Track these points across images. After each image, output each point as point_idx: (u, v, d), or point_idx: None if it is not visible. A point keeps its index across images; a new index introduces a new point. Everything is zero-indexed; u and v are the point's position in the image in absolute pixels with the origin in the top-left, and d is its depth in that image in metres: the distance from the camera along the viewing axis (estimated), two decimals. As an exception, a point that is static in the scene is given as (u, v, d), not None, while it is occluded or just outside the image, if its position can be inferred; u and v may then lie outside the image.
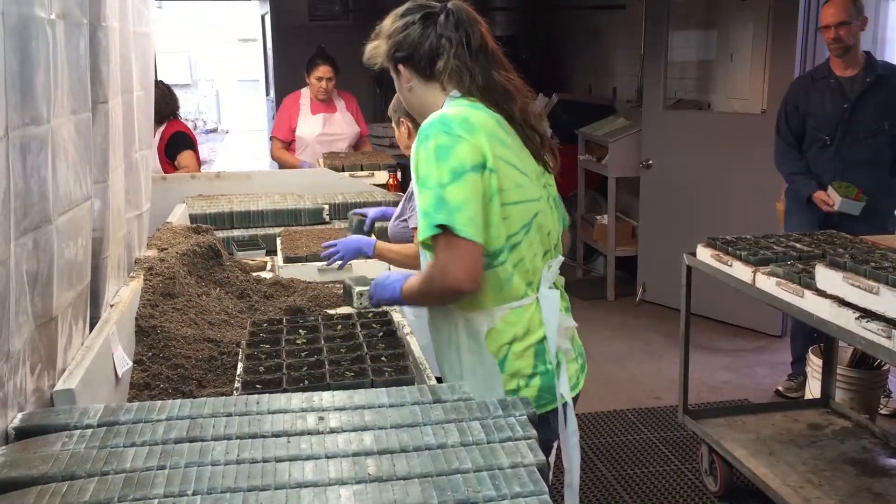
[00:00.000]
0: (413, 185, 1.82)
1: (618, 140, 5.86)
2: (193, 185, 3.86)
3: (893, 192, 3.99)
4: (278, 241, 3.10)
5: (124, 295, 2.08)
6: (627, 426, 4.04)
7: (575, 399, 1.96)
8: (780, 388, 4.33)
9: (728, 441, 3.24)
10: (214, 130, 21.04)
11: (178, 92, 4.89)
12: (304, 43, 7.15)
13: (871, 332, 2.29)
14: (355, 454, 1.30)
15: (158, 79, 4.21)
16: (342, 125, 5.05)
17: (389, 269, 2.71)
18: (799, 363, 4.24)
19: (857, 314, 2.36)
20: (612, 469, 3.65)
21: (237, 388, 1.74)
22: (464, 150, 1.71)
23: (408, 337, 2.17)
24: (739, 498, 3.37)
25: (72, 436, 1.35)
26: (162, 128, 4.52)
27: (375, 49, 1.94)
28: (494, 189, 1.74)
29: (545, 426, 1.85)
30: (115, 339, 1.86)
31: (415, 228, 2.53)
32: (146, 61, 2.53)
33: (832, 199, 3.88)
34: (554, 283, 1.91)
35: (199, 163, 4.74)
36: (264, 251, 3.19)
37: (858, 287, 2.35)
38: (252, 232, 3.37)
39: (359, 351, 1.91)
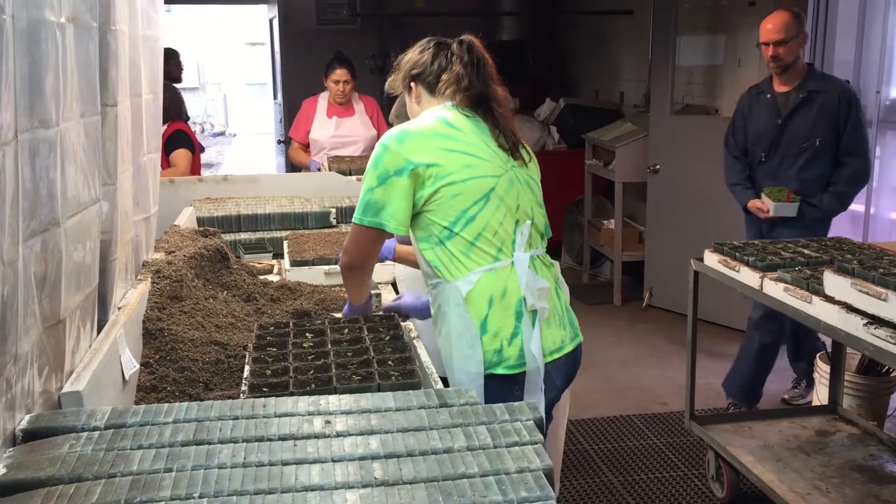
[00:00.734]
0: None
1: (625, 145, 5.85)
2: (201, 188, 3.87)
3: (823, 209, 3.87)
4: (285, 244, 3.10)
5: (132, 298, 2.09)
6: (634, 431, 4.03)
7: (566, 362, 2.17)
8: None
9: (735, 447, 3.23)
10: (222, 133, 21.10)
11: (185, 95, 4.90)
12: (313, 47, 7.18)
13: (879, 338, 2.28)
14: (362, 458, 1.30)
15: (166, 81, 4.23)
16: (357, 128, 5.06)
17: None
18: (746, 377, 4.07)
19: (865, 320, 2.35)
20: (618, 475, 3.64)
21: (244, 392, 1.74)
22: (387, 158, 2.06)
23: (414, 341, 2.17)
24: (746, 504, 3.36)
25: (79, 438, 1.35)
26: (164, 126, 4.55)
27: (394, 80, 2.29)
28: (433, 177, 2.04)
29: (526, 385, 2.09)
30: (123, 342, 1.86)
31: None
32: (155, 65, 2.54)
33: (766, 205, 3.85)
34: (528, 245, 2.12)
35: (194, 165, 4.71)
36: (271, 254, 3.20)
37: (867, 293, 2.34)
38: (259, 235, 3.37)
39: (365, 355, 1.91)
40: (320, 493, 1.20)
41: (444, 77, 2.16)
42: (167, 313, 2.18)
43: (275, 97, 8.65)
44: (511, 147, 2.16)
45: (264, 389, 1.73)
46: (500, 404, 1.49)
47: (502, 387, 2.05)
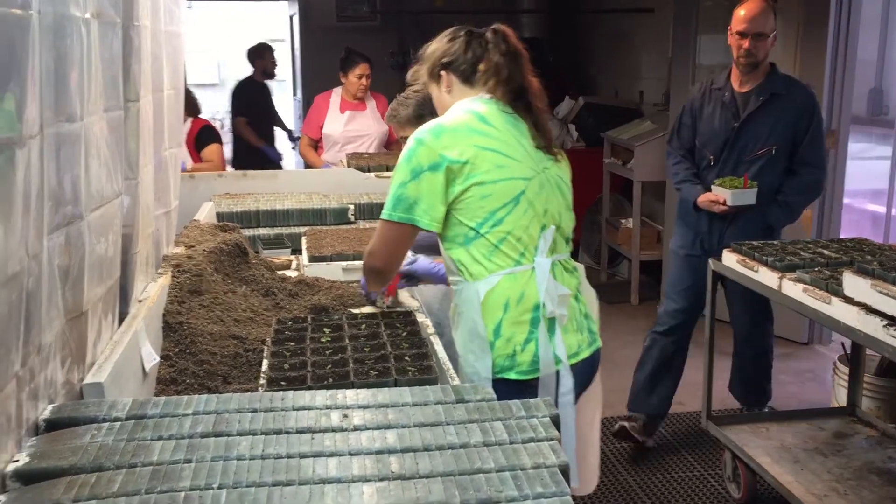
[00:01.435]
0: None
1: (644, 144, 5.83)
2: (220, 183, 3.89)
3: (769, 222, 3.58)
4: (303, 240, 3.12)
5: (152, 291, 2.11)
6: (650, 431, 4.01)
7: (583, 367, 2.12)
8: (626, 426, 3.80)
9: (752, 448, 3.22)
10: (241, 130, 21.16)
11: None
12: (332, 44, 7.19)
13: (899, 340, 2.27)
14: (378, 452, 1.31)
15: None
16: (370, 123, 5.08)
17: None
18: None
19: (884, 322, 2.33)
20: (635, 474, 3.63)
21: (262, 385, 1.76)
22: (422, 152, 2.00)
23: (431, 337, 2.18)
24: (762, 505, 3.34)
25: (100, 428, 1.37)
26: (189, 124, 4.61)
27: (417, 71, 2.22)
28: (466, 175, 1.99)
29: (540, 391, 2.05)
30: (143, 335, 1.88)
31: None
32: (177, 60, 2.56)
33: (720, 196, 3.49)
34: (551, 251, 2.07)
35: (223, 159, 4.83)
36: (290, 250, 3.22)
37: (887, 294, 2.33)
38: (277, 231, 3.39)
39: (383, 350, 1.92)
40: (337, 485, 1.21)
41: (482, 67, 2.10)
42: (187, 307, 2.20)
43: (294, 93, 8.68)
44: (546, 145, 2.11)
45: (282, 383, 1.74)
46: (517, 400, 1.50)
47: (514, 392, 2.00)
